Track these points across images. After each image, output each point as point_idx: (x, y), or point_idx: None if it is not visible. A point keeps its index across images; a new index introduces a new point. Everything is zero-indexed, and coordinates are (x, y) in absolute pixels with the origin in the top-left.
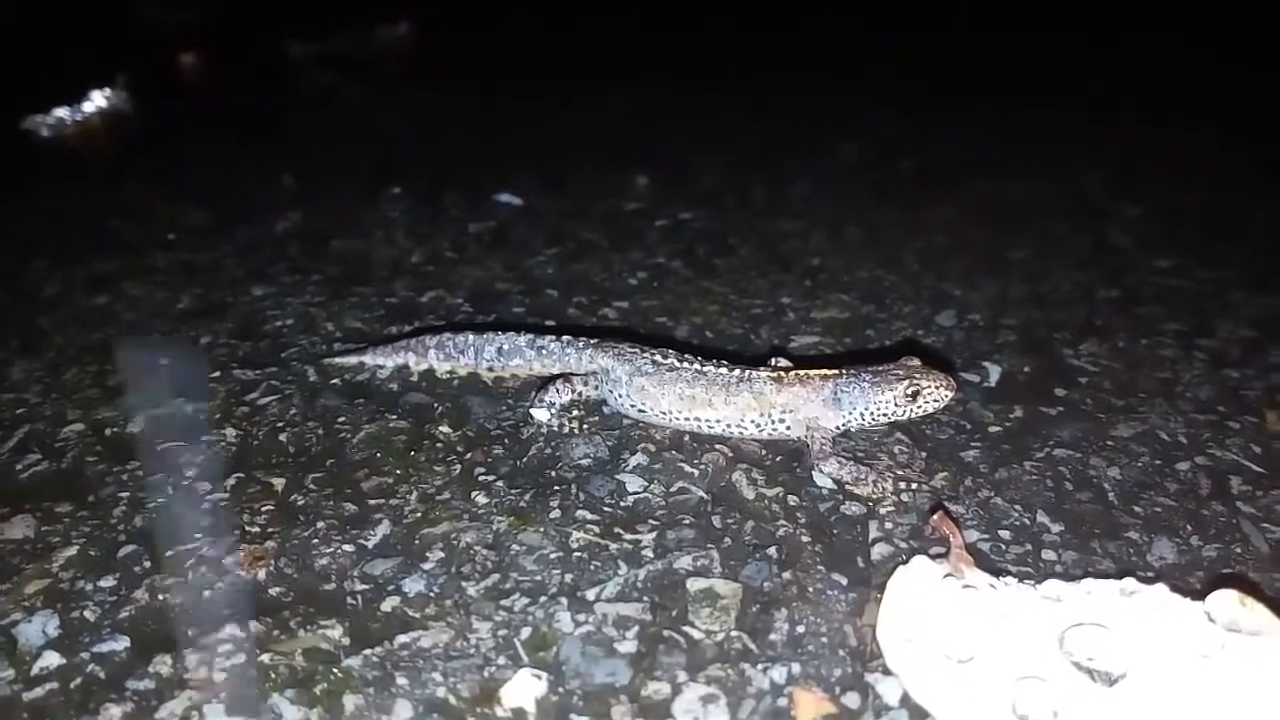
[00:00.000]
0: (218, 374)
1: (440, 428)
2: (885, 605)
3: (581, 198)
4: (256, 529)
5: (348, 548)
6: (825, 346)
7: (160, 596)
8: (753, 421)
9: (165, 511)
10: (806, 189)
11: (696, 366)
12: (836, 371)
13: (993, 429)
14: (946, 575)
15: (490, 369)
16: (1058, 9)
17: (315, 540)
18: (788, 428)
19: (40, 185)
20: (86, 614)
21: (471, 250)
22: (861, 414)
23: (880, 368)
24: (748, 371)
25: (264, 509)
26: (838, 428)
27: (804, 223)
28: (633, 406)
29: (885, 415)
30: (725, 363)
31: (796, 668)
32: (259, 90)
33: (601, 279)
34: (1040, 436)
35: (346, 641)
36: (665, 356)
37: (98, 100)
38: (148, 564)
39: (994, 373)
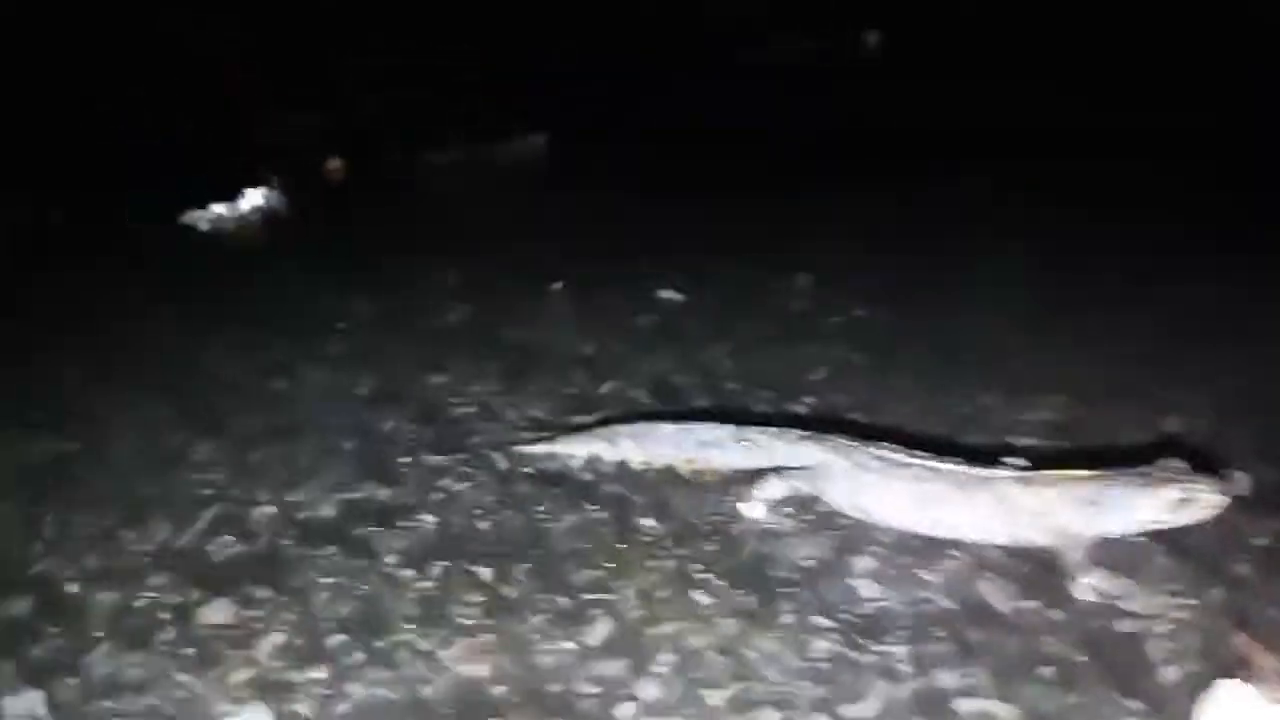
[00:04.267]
0: (407, 459)
1: (644, 520)
2: None
3: (743, 294)
4: (470, 621)
5: (569, 645)
6: (1047, 452)
7: (377, 691)
8: (996, 526)
9: (371, 600)
10: (990, 281)
11: (930, 463)
12: (1093, 474)
13: (1257, 541)
14: (1272, 700)
15: (689, 461)
16: None
17: (535, 636)
18: (1036, 534)
19: (204, 275)
20: (299, 708)
21: (641, 342)
22: (1122, 521)
23: (1140, 469)
24: (989, 470)
25: (475, 600)
26: (1094, 536)
27: (993, 316)
28: (854, 505)
29: (1148, 523)
30: (961, 459)
31: None
32: (403, 191)
33: (780, 373)
34: None
35: None
36: (891, 451)
37: (253, 199)
38: (359, 655)
39: (1243, 480)
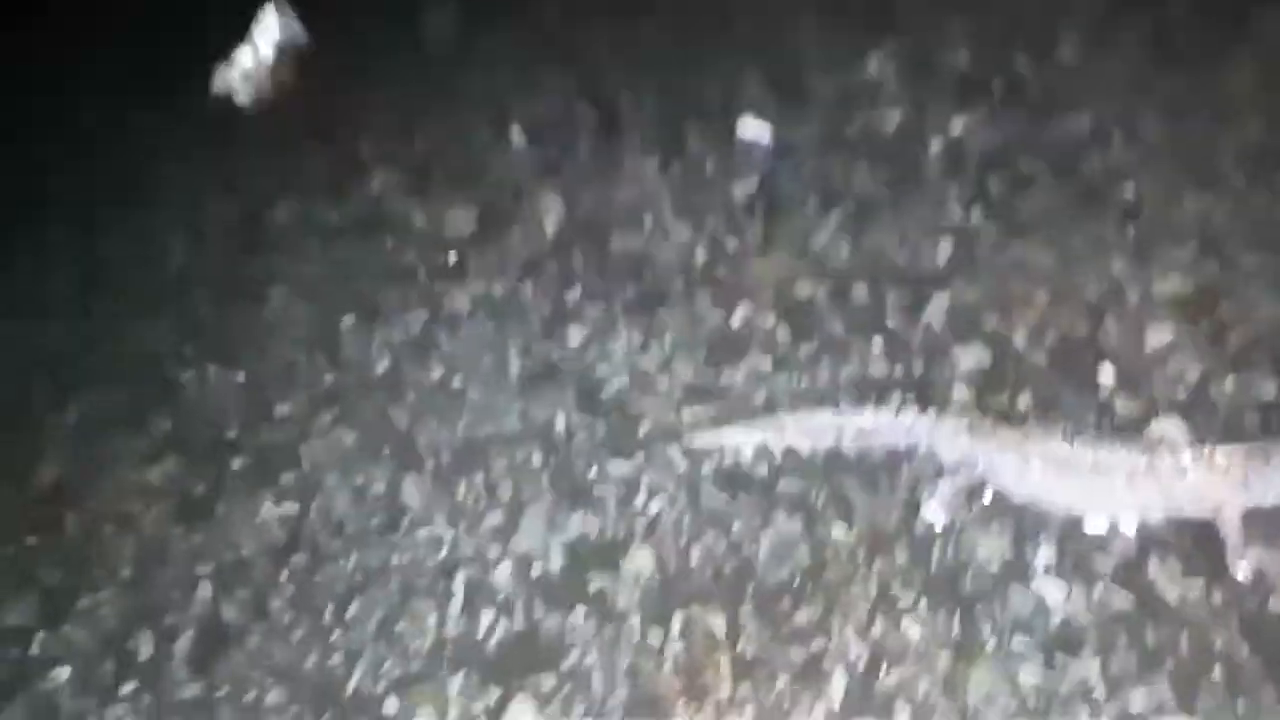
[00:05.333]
0: (593, 471)
1: (833, 530)
2: None
3: (826, 110)
4: (728, 694)
5: (818, 709)
6: (1184, 351)
7: None
8: (1158, 504)
9: (639, 677)
10: (1073, 55)
11: (1091, 455)
12: (1246, 449)
13: None
14: None
15: (853, 444)
16: None
17: (784, 703)
18: (1196, 510)
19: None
20: None
21: (748, 230)
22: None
23: None
24: (1148, 457)
25: (722, 665)
26: (1246, 510)
27: (1091, 115)
28: (1023, 494)
29: None
30: (1117, 445)
31: None
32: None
33: (903, 257)
34: None
35: None
36: (1052, 440)
37: (268, 29)
38: None
39: None
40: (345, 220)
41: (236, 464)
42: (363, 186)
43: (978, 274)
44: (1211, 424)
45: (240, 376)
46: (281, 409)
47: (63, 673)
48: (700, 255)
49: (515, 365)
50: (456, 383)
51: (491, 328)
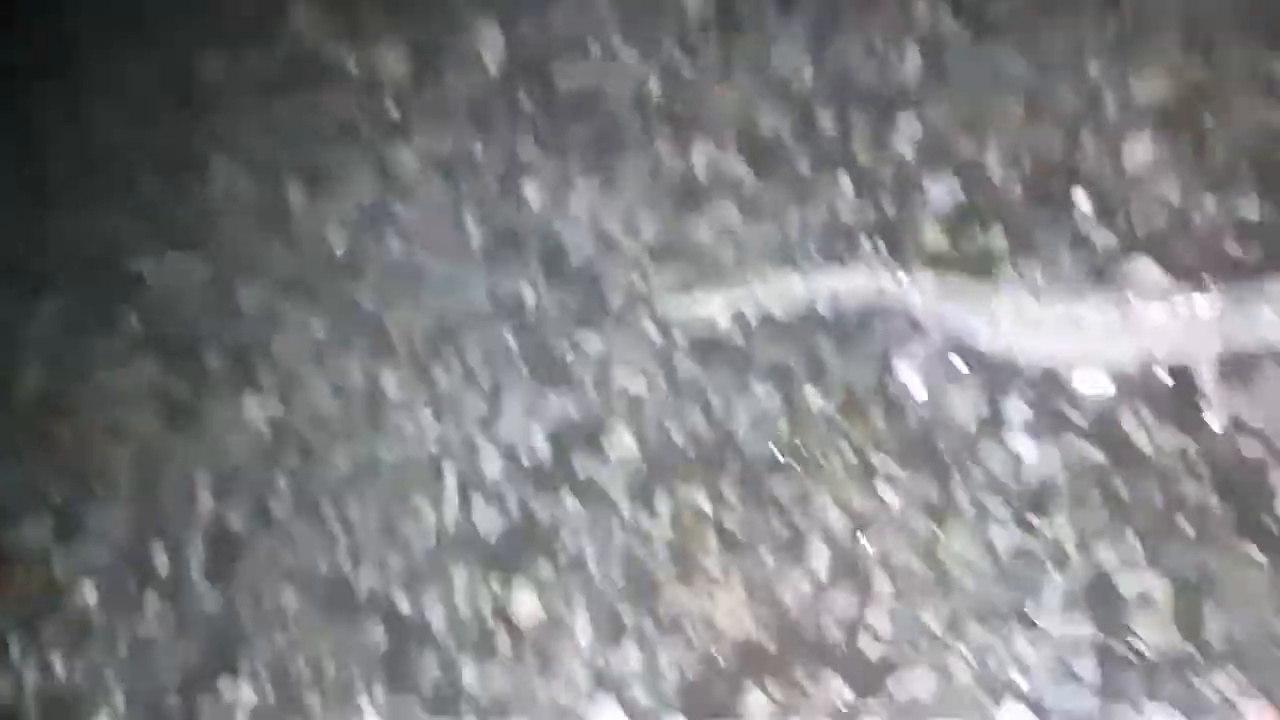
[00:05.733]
0: (566, 343)
1: (809, 395)
2: None
3: None
4: (716, 569)
5: (804, 584)
6: (1163, 170)
7: (672, 658)
8: (1134, 360)
9: (631, 557)
10: None
11: (1064, 308)
12: (1221, 296)
13: None
14: None
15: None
16: None
17: (770, 577)
18: (1171, 354)
19: None
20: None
21: (704, 52)
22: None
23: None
24: (1122, 309)
25: (708, 540)
26: (1223, 357)
27: None
28: (997, 353)
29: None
30: (1090, 295)
31: (1241, 677)
32: None
33: (869, 71)
34: None
35: (848, 695)
36: (1023, 293)
37: None
38: (650, 627)
39: None
40: (276, 70)
41: (213, 362)
42: (287, 26)
43: (948, 89)
44: (1189, 253)
45: (200, 265)
46: (248, 299)
47: (89, 591)
48: (655, 86)
49: (475, 235)
50: (418, 258)
51: (445, 191)
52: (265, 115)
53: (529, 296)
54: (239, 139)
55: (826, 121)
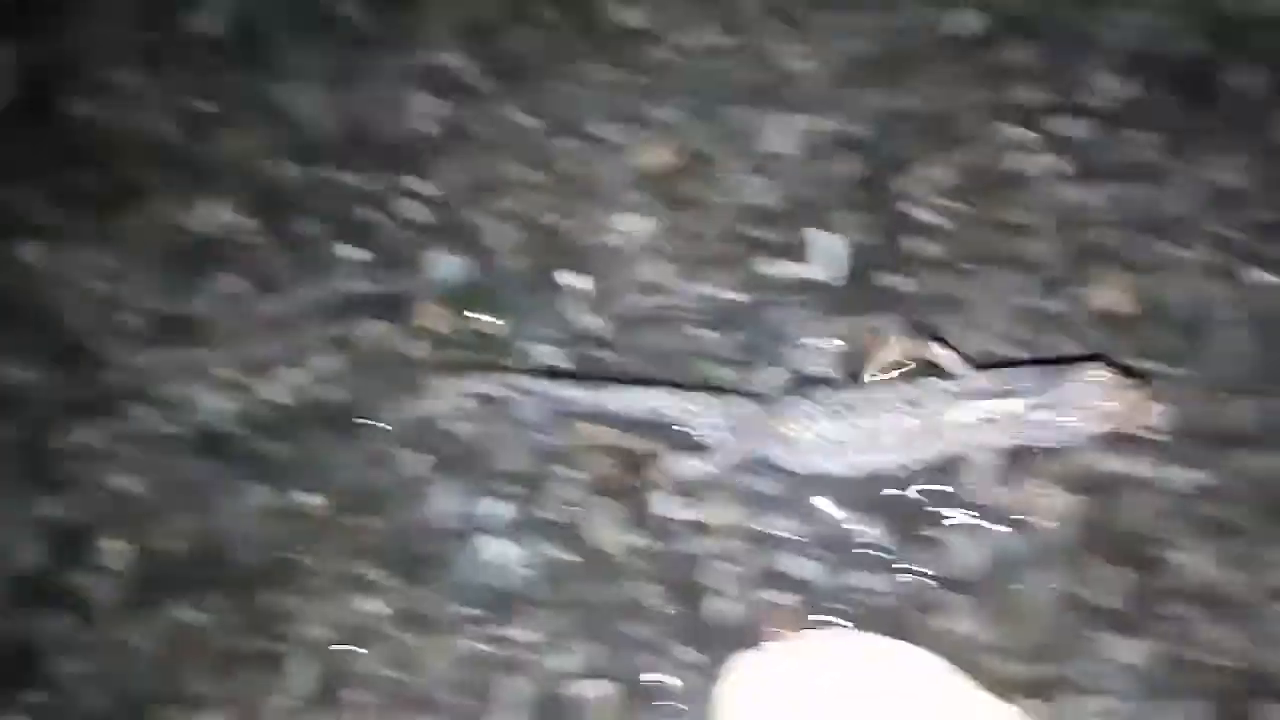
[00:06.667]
0: (62, 438)
1: (302, 497)
2: None
3: None
4: (201, 685)
5: (279, 700)
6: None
7: None
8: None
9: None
10: None
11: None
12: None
13: None
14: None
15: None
16: None
17: (254, 695)
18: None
19: None
20: None
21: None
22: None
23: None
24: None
25: (197, 658)
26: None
27: None
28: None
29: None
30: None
31: None
32: None
33: (386, 125)
34: None
35: None
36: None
37: None
38: None
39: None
40: None
41: None
42: None
43: (461, 151)
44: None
45: None
46: None
47: None
48: (168, 129)
49: None
50: None
51: None
52: None
53: (18, 378)
54: None
55: (330, 171)
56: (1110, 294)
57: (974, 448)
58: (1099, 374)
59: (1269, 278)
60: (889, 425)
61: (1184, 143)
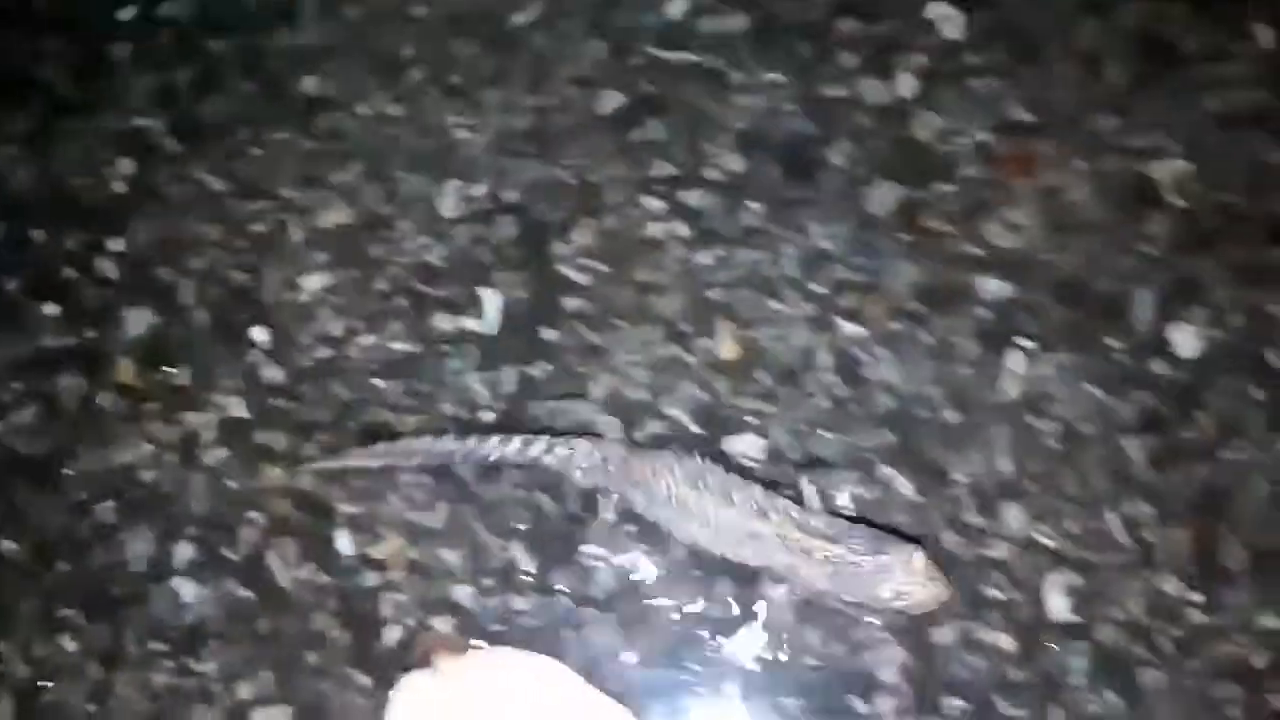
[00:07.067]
0: None
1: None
2: None
3: None
4: None
5: None
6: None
7: None
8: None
9: None
10: None
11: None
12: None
13: None
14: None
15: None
16: None
17: None
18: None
19: None
20: None
21: None
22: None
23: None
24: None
25: None
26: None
27: None
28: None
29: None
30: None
31: None
32: None
33: (84, 183)
34: None
35: None
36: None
37: None
38: None
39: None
40: None
41: None
42: None
43: (155, 208)
44: None
45: None
46: None
47: None
48: None
49: None
50: None
51: None
52: None
53: None
54: None
55: (44, 237)
56: (725, 344)
57: (797, 574)
58: (918, 557)
59: (853, 328)
60: (736, 519)
61: (788, 211)
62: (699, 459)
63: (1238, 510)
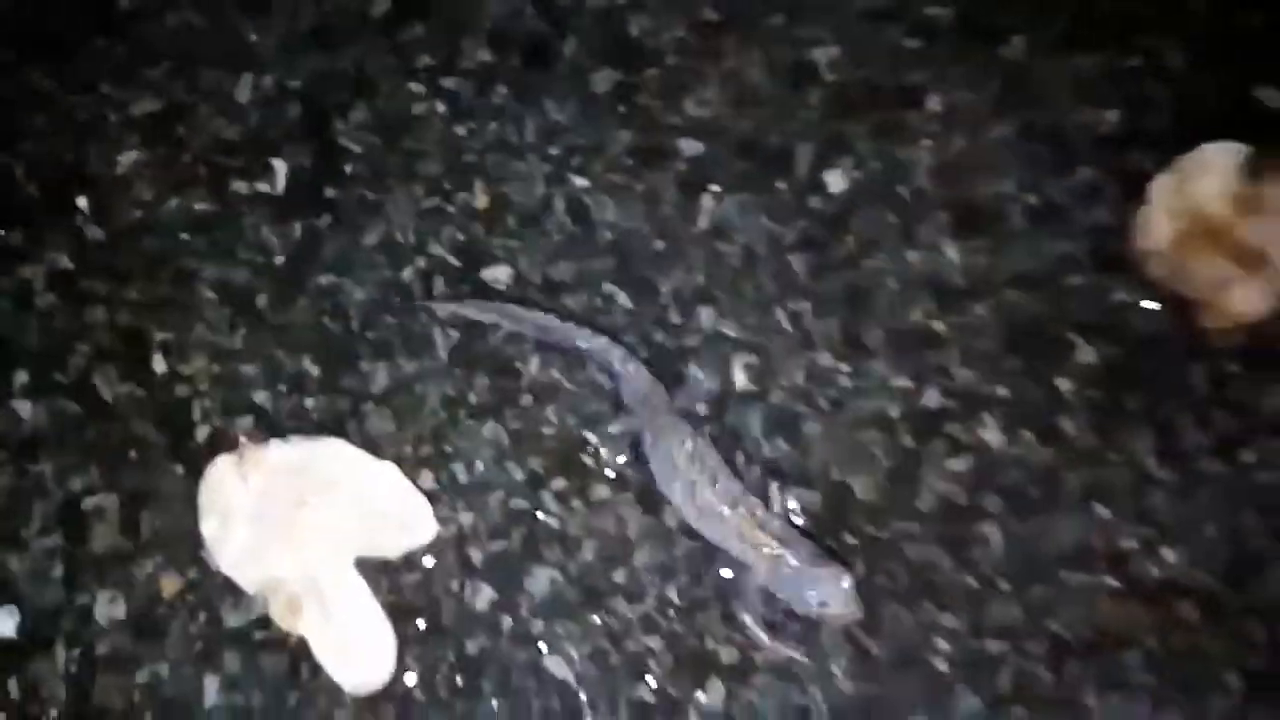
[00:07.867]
0: None
1: None
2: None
3: None
4: None
5: None
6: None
7: None
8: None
9: None
10: None
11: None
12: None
13: None
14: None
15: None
16: None
17: None
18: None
19: None
20: None
21: None
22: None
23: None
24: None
25: None
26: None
27: None
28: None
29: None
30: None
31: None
32: None
33: None
34: None
35: None
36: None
37: None
38: None
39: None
40: None
41: None
42: None
43: None
44: None
45: None
46: None
47: None
48: None
49: None
50: None
51: None
52: None
53: None
54: None
55: None
56: (480, 198)
57: (745, 561)
58: (846, 579)
59: (581, 180)
60: (712, 499)
61: (528, 92)
62: (706, 440)
63: (874, 303)
